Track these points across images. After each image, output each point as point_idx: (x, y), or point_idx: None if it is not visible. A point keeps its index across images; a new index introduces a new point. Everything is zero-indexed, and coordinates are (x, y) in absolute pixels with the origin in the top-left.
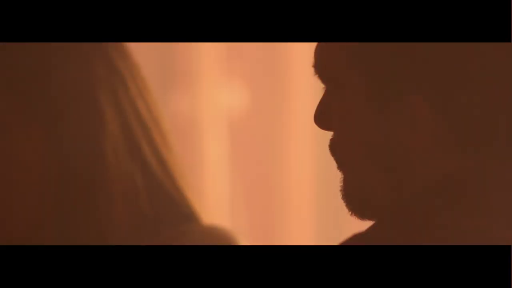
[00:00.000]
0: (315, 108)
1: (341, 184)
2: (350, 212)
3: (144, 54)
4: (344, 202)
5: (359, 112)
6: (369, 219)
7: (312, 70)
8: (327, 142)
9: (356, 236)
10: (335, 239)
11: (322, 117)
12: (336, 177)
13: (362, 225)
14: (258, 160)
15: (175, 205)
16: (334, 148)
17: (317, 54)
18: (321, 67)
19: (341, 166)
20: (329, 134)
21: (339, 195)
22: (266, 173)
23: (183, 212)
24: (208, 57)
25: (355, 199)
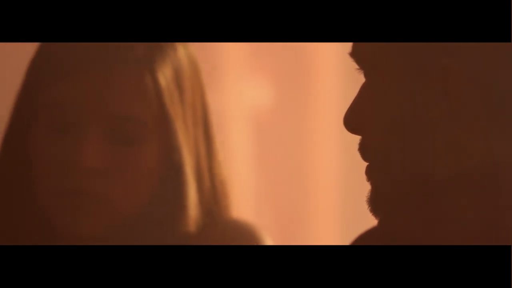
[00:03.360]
0: (343, 110)
1: (370, 192)
2: (374, 216)
3: None
4: (369, 208)
5: (390, 101)
6: (392, 219)
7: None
8: (352, 139)
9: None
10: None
11: (353, 119)
12: (361, 174)
13: None
14: (283, 157)
15: (200, 197)
16: (366, 150)
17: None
18: (357, 51)
19: (369, 170)
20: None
21: (364, 192)
22: (291, 170)
23: (208, 205)
24: (235, 53)
25: (381, 207)
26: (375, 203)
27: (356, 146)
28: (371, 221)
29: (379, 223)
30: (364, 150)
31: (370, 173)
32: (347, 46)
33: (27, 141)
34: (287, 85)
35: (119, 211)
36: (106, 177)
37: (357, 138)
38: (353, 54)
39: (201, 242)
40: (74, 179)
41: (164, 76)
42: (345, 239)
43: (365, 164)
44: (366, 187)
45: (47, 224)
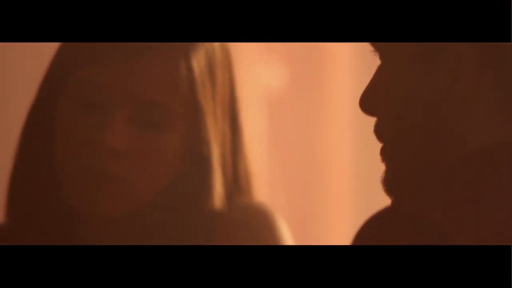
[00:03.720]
0: (357, 93)
1: (384, 173)
2: (388, 196)
3: None
4: (383, 188)
5: (405, 80)
6: (406, 199)
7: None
8: (366, 121)
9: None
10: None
11: (368, 101)
12: (374, 155)
13: None
14: (296, 139)
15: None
16: (381, 132)
17: None
18: None
19: (385, 151)
20: (368, 116)
21: (377, 174)
22: (304, 152)
23: (230, 190)
24: None
25: (396, 186)
26: (390, 183)
27: (370, 128)
28: (385, 202)
29: (393, 203)
30: (379, 131)
31: (384, 154)
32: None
33: (53, 116)
34: (299, 64)
35: (139, 193)
36: (129, 160)
37: (371, 120)
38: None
39: (218, 224)
40: (97, 159)
41: (199, 64)
42: (357, 219)
43: (379, 145)
44: (380, 168)
45: (67, 201)
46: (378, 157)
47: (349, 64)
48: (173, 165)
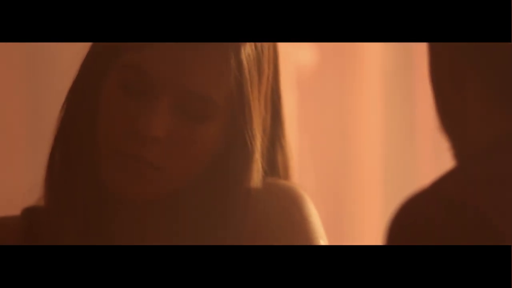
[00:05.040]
0: (388, 77)
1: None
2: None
3: None
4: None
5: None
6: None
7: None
8: (396, 104)
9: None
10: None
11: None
12: (404, 138)
13: None
14: (325, 120)
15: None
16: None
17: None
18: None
19: None
20: (399, 109)
21: (405, 157)
22: (333, 133)
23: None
24: None
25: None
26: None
27: (401, 113)
28: (414, 182)
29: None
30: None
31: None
32: None
33: (94, 99)
34: (330, 45)
35: (172, 181)
36: (166, 148)
37: (402, 105)
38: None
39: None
40: (135, 145)
41: (248, 58)
42: (388, 203)
43: (409, 129)
44: (408, 149)
45: (103, 184)
46: (408, 140)
47: (381, 48)
48: (210, 155)
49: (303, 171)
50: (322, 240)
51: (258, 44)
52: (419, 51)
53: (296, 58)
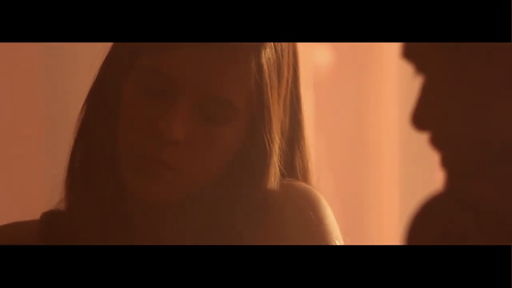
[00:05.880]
0: (403, 77)
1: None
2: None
3: None
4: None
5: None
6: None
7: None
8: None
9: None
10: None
11: (421, 118)
12: (422, 139)
13: None
14: (342, 121)
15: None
16: (440, 144)
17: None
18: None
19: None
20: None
21: (423, 158)
22: (350, 133)
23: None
24: None
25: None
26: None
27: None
28: (431, 188)
29: (448, 188)
30: (438, 143)
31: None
32: None
33: (116, 98)
34: (346, 46)
35: (191, 183)
36: (185, 150)
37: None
38: (406, 56)
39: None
40: (154, 147)
41: (268, 62)
42: (405, 199)
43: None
44: (426, 149)
45: (121, 183)
46: (426, 140)
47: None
48: (228, 157)
49: (320, 172)
50: (338, 241)
51: (278, 47)
52: None
53: (313, 58)
